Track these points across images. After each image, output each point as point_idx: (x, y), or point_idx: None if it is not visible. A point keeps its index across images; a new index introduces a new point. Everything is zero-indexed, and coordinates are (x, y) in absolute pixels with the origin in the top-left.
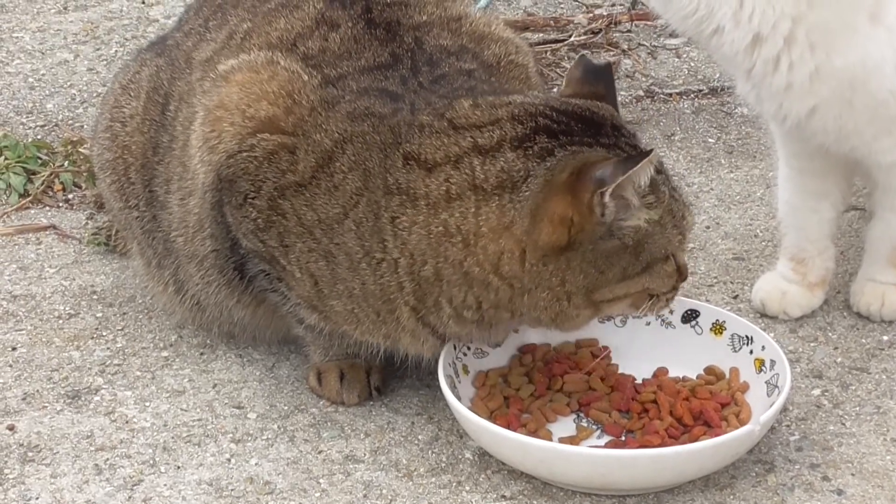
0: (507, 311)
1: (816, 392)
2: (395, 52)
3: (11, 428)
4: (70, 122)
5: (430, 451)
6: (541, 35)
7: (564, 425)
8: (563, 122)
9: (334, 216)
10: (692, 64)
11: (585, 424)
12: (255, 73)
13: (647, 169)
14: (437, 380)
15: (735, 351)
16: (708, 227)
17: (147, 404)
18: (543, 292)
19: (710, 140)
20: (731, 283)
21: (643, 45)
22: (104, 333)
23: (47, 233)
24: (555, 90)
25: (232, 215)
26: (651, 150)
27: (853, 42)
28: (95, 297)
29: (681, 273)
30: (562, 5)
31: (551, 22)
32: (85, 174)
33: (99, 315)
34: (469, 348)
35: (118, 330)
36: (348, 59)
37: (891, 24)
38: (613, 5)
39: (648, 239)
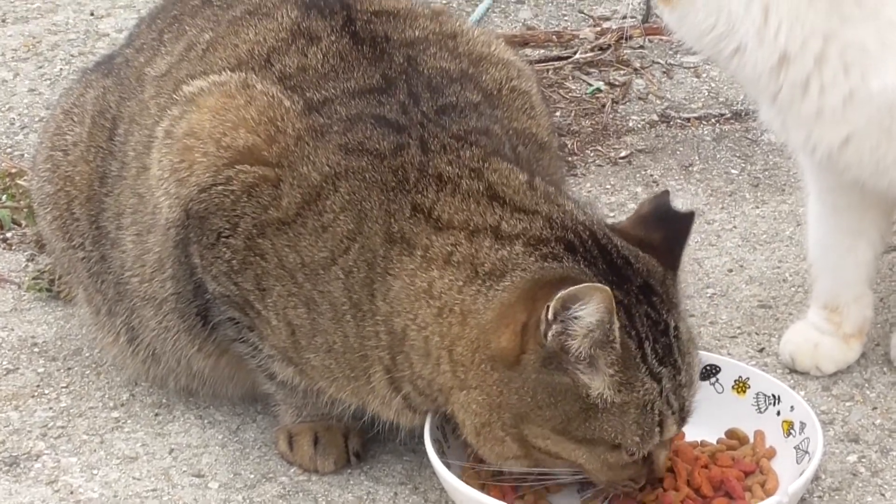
0: (445, 400)
1: (852, 458)
2: (386, 73)
3: None
4: (8, 150)
5: None
6: (542, 51)
7: (567, 497)
8: (592, 253)
9: (320, 260)
10: (713, 84)
11: (590, 496)
12: (229, 97)
13: (598, 309)
14: (424, 444)
15: (760, 412)
16: (731, 271)
17: (95, 472)
18: (480, 395)
19: (733, 171)
20: (757, 333)
21: (658, 62)
22: (46, 391)
23: None
24: (557, 114)
25: (201, 255)
26: (610, 304)
27: (891, 62)
28: (37, 349)
29: (650, 472)
30: (566, 17)
31: (554, 37)
32: (25, 210)
33: (40, 370)
34: None
35: (62, 387)
36: (334, 79)
37: None
38: (624, 18)
39: (601, 412)
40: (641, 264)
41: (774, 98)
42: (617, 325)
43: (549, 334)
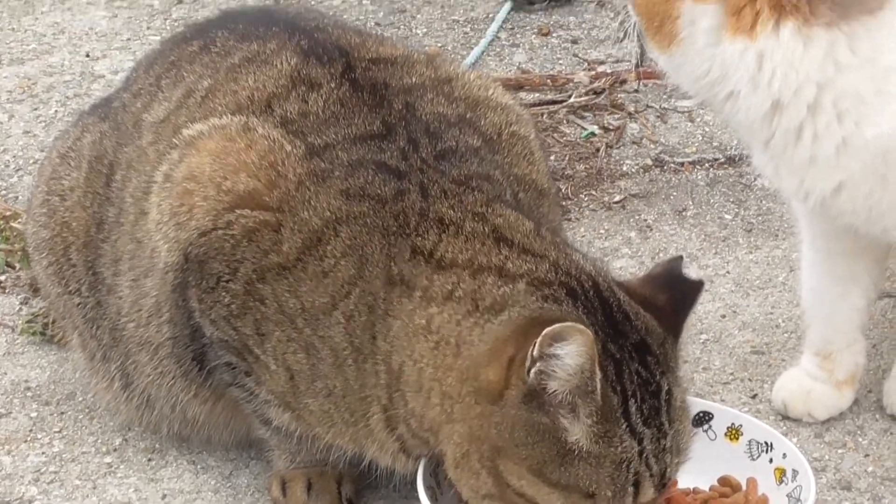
0: (435, 439)
1: None
2: (385, 119)
3: None
4: (3, 192)
5: None
6: (537, 95)
7: None
8: (593, 302)
9: (321, 305)
10: (707, 128)
11: None
12: (230, 140)
13: (579, 353)
14: (416, 491)
15: (753, 459)
16: (724, 317)
17: None
18: (463, 427)
19: (726, 216)
20: (750, 380)
21: (652, 106)
22: (39, 436)
23: None
24: (552, 158)
25: (199, 299)
26: (591, 350)
27: (888, 109)
28: (30, 393)
29: None
30: (560, 61)
31: (548, 80)
32: (19, 253)
33: (33, 415)
34: None
35: (55, 432)
36: (335, 125)
37: None
38: (618, 61)
39: (577, 460)
40: (641, 322)
41: (767, 144)
42: (599, 374)
43: (532, 371)
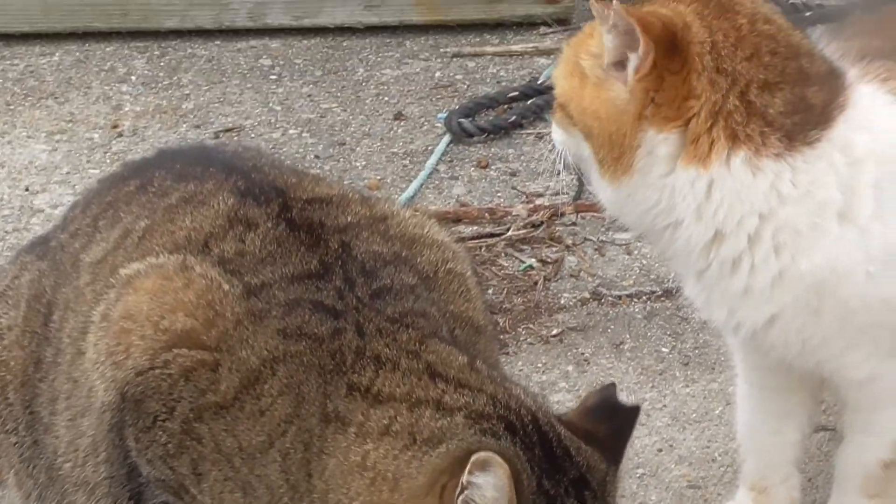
0: None
1: None
2: (322, 259)
3: None
4: None
5: None
6: (475, 228)
7: None
8: (531, 437)
9: (258, 444)
10: (644, 261)
11: None
12: (167, 279)
13: (496, 485)
14: None
15: None
16: (660, 450)
17: None
18: None
19: (663, 349)
20: None
21: (590, 239)
22: None
23: None
24: (490, 291)
25: (136, 438)
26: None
27: (822, 243)
28: None
29: None
30: (499, 193)
31: (487, 214)
32: None
33: None
34: None
35: None
36: (272, 264)
37: (864, 224)
38: (557, 194)
39: None
40: (582, 458)
41: (701, 274)
42: None
43: (460, 498)
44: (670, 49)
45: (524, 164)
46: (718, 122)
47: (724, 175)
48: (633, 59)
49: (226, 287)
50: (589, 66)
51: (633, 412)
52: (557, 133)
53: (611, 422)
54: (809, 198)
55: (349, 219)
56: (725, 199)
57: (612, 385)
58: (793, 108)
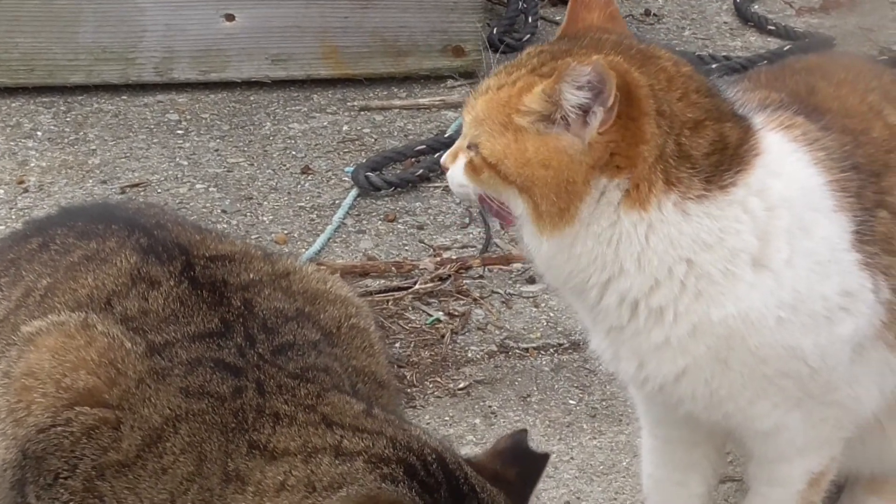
0: None
1: None
2: (224, 317)
3: None
4: None
5: None
6: (382, 281)
7: None
8: (436, 476)
9: (160, 502)
10: (551, 314)
11: None
12: (69, 337)
13: None
14: None
15: None
16: (568, 503)
17: None
18: None
19: (571, 402)
20: None
21: (497, 292)
22: None
23: None
24: (397, 345)
25: (37, 496)
26: None
27: (734, 291)
28: None
29: None
30: (406, 247)
31: (394, 267)
32: None
33: None
34: None
35: None
36: (175, 323)
37: (777, 268)
38: (464, 247)
39: None
40: (488, 496)
41: (614, 329)
42: None
43: None
44: (626, 97)
45: (431, 218)
46: (658, 165)
47: (660, 219)
48: (598, 112)
49: (128, 345)
50: (528, 122)
51: (542, 458)
52: (469, 188)
53: (520, 466)
54: (722, 244)
55: (251, 276)
56: (660, 244)
57: (524, 431)
58: (713, 147)
